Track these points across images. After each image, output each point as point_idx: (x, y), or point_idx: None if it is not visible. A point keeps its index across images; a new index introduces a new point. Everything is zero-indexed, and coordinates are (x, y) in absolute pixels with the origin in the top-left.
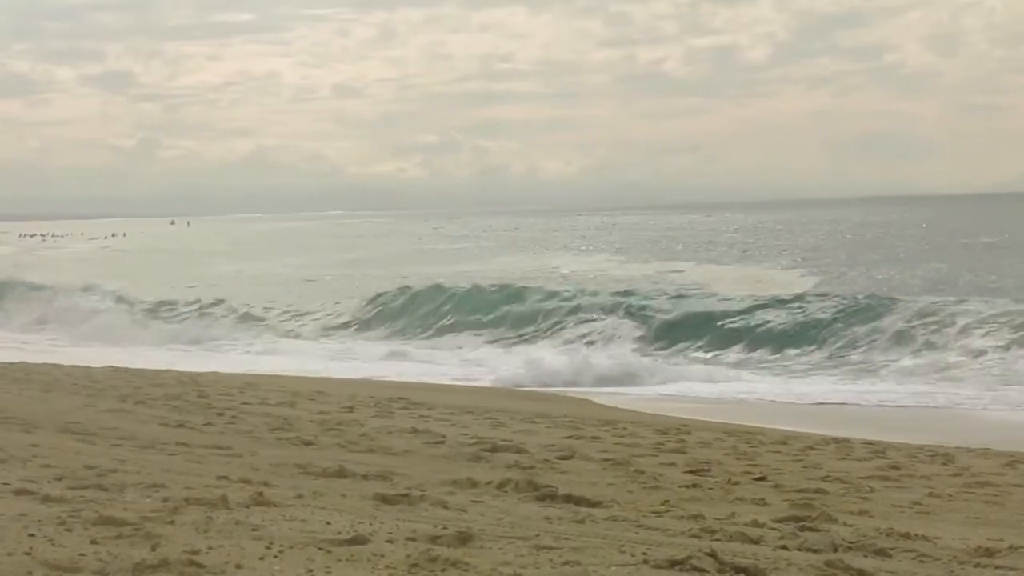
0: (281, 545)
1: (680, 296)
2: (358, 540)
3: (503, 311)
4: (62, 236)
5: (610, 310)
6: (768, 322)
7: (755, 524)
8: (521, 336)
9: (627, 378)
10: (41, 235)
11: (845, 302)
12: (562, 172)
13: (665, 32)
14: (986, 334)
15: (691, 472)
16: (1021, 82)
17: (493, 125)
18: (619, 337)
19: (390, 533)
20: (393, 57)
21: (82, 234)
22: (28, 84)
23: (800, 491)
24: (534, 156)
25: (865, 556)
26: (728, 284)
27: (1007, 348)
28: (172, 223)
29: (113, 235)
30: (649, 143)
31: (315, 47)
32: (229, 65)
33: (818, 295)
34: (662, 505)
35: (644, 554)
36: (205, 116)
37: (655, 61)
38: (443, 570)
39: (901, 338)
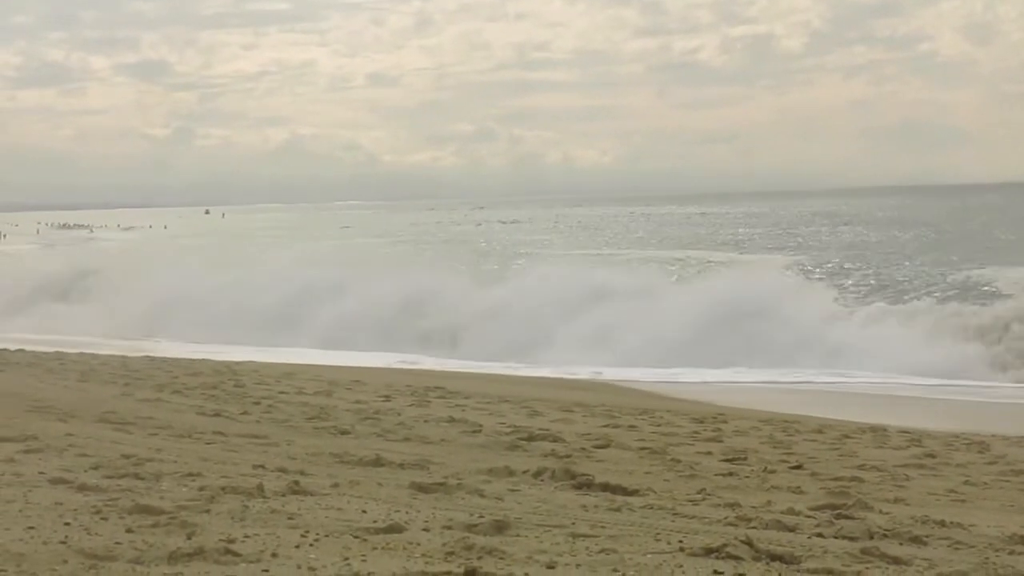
0: (317, 534)
1: None
2: (394, 529)
3: None
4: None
5: None
6: None
7: (791, 512)
8: None
9: None
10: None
11: None
12: (598, 161)
13: (700, 21)
14: None
15: (727, 460)
16: None
17: (528, 114)
18: None
19: (426, 522)
20: (428, 46)
21: (118, 225)
22: (63, 73)
23: (836, 479)
24: (569, 145)
25: (900, 544)
26: None
27: None
28: (207, 212)
29: (150, 226)
30: (685, 132)
31: (350, 36)
32: (264, 54)
33: None
34: (698, 493)
35: (680, 542)
36: (240, 105)
37: (690, 51)
38: (479, 558)
39: None
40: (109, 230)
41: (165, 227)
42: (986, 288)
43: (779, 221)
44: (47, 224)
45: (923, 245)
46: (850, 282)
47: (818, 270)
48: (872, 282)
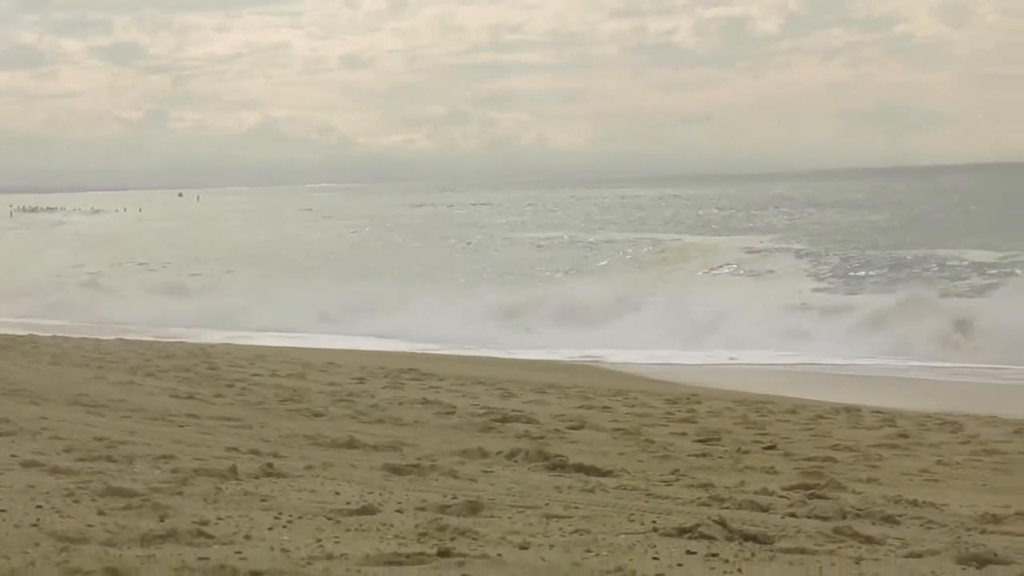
0: (290, 515)
1: None
2: (367, 510)
3: None
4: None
5: None
6: None
7: (764, 492)
8: None
9: None
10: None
11: None
12: (572, 144)
13: (675, 3)
14: None
15: (701, 441)
16: None
17: (502, 96)
18: None
19: (399, 503)
20: (402, 28)
21: (92, 208)
22: (36, 56)
23: (809, 459)
24: (544, 128)
25: (873, 523)
26: None
27: None
28: (180, 195)
29: (124, 209)
30: (660, 114)
31: (324, 18)
32: (237, 36)
33: None
34: (672, 474)
35: (653, 522)
36: (213, 88)
37: (665, 32)
38: (452, 539)
39: None
40: (78, 213)
41: (140, 210)
42: (939, 267)
43: (750, 203)
44: (20, 208)
45: (888, 227)
46: (809, 263)
47: (777, 251)
48: (834, 263)
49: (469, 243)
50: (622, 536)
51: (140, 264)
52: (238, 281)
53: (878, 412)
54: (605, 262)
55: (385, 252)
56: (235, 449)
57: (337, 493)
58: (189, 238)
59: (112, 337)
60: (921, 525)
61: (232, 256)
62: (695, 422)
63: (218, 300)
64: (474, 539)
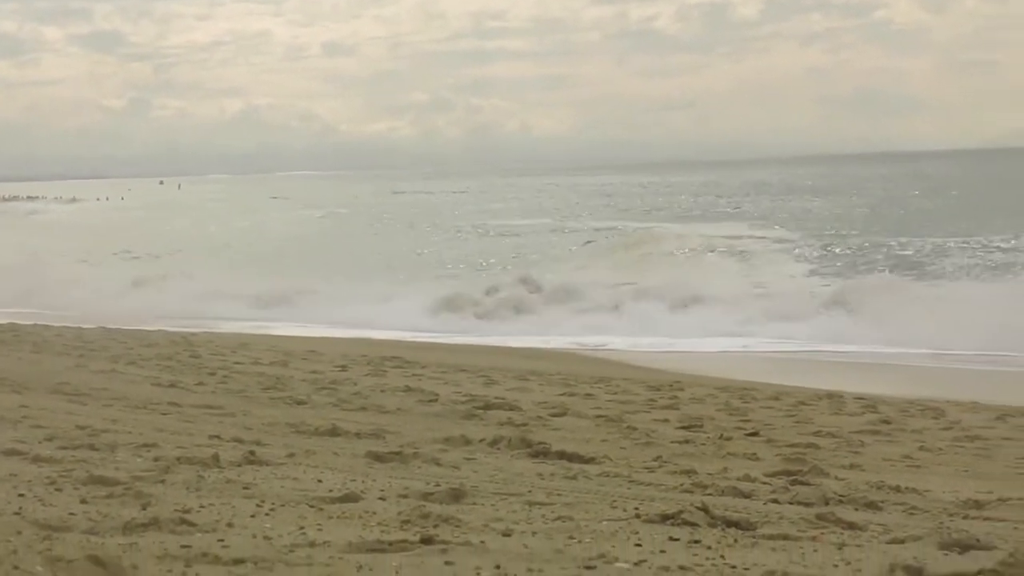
0: (272, 503)
1: None
2: (350, 498)
3: None
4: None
5: None
6: None
7: (747, 479)
8: None
9: None
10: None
11: None
12: (555, 130)
13: None
14: None
15: (683, 428)
16: (1009, 39)
17: (485, 83)
18: None
19: (382, 491)
20: (384, 15)
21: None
22: (16, 44)
23: (792, 446)
24: (526, 114)
25: (856, 509)
26: None
27: None
28: (161, 183)
29: (107, 198)
30: (642, 101)
31: (306, 5)
32: (219, 24)
33: None
34: (654, 461)
35: (636, 509)
36: (195, 76)
37: (647, 18)
38: (435, 526)
39: None
40: (56, 202)
41: (122, 198)
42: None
43: (729, 190)
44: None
45: (864, 214)
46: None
47: (757, 237)
48: (812, 250)
49: (439, 232)
50: (604, 523)
51: (87, 254)
52: (177, 266)
53: (860, 398)
54: (574, 248)
55: (340, 242)
56: (217, 437)
57: (319, 481)
58: (153, 228)
59: (93, 326)
60: (903, 511)
61: (180, 246)
62: (678, 409)
63: (153, 288)
64: (457, 526)
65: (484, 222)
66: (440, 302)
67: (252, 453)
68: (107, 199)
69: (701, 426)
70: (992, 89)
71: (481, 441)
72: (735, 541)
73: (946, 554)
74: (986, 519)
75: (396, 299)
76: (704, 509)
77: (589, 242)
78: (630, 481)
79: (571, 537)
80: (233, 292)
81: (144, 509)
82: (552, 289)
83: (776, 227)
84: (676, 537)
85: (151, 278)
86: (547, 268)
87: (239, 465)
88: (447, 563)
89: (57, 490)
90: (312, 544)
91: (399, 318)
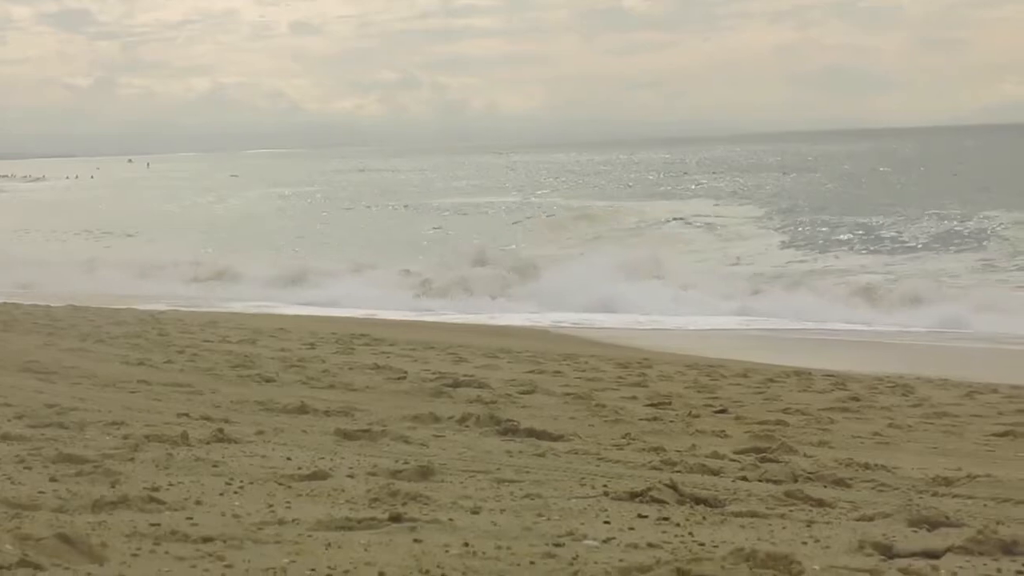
0: (241, 481)
1: None
2: (319, 475)
3: None
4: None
5: None
6: None
7: (715, 456)
8: None
9: None
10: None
11: None
12: (523, 108)
13: None
14: None
15: (652, 405)
16: (978, 17)
17: (453, 61)
18: None
19: (351, 468)
20: None
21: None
22: None
23: (760, 423)
24: (495, 92)
25: (824, 486)
26: None
27: None
28: (130, 161)
29: (77, 176)
30: (611, 79)
31: None
32: (186, 3)
33: None
34: (623, 438)
35: (604, 486)
36: (163, 54)
37: None
38: (404, 504)
39: None
40: (15, 180)
41: (92, 177)
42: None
43: (695, 168)
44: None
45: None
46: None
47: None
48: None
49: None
50: (573, 500)
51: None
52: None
53: (829, 375)
54: (516, 222)
55: (279, 221)
56: (186, 415)
57: (288, 458)
58: (103, 208)
59: (62, 304)
60: (872, 488)
61: (104, 225)
62: (646, 386)
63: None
64: (425, 504)
65: (443, 200)
66: (394, 280)
67: (221, 431)
68: (76, 177)
69: (670, 403)
70: (961, 66)
71: (450, 419)
72: (704, 518)
73: (915, 531)
74: (955, 496)
75: (333, 278)
76: (673, 486)
77: (551, 215)
78: (599, 459)
79: (540, 515)
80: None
81: (113, 487)
82: (516, 265)
83: (744, 203)
84: (645, 514)
85: (103, 257)
86: (512, 244)
87: (208, 443)
88: (416, 541)
89: (26, 468)
90: (281, 522)
91: (343, 298)
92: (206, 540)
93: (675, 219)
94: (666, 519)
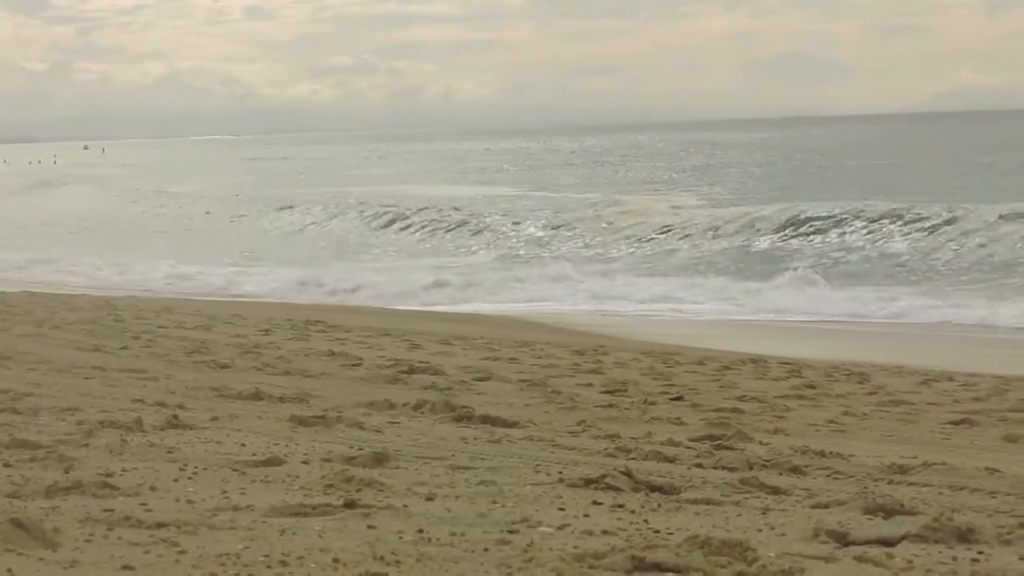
0: (196, 467)
1: None
2: (273, 461)
3: None
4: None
5: None
6: None
7: (671, 443)
8: None
9: None
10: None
11: None
12: (478, 95)
13: None
14: None
15: (608, 392)
16: (939, 3)
17: (408, 47)
18: None
19: (305, 454)
20: None
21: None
22: None
23: (716, 410)
24: (449, 78)
25: (780, 474)
26: None
27: None
28: (86, 148)
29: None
30: (566, 65)
31: None
32: None
33: None
34: (578, 425)
35: (560, 473)
36: (118, 39)
37: None
38: (358, 490)
39: None
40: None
41: (54, 162)
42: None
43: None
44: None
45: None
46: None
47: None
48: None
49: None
50: (528, 487)
51: None
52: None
53: (785, 363)
54: (417, 217)
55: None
56: (141, 401)
57: (243, 444)
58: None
59: (18, 290)
60: (828, 475)
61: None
62: (602, 373)
63: None
64: (380, 490)
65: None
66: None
67: (175, 417)
68: (39, 162)
69: (625, 390)
70: (920, 53)
71: (405, 405)
72: (659, 505)
73: (870, 518)
74: (910, 484)
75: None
76: (628, 473)
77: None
78: (554, 445)
79: (494, 501)
80: None
81: (67, 473)
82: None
83: (701, 188)
84: (600, 501)
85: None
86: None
87: (162, 429)
88: (370, 527)
89: None
90: (235, 508)
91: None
92: (160, 526)
93: (643, 202)
94: (621, 506)
